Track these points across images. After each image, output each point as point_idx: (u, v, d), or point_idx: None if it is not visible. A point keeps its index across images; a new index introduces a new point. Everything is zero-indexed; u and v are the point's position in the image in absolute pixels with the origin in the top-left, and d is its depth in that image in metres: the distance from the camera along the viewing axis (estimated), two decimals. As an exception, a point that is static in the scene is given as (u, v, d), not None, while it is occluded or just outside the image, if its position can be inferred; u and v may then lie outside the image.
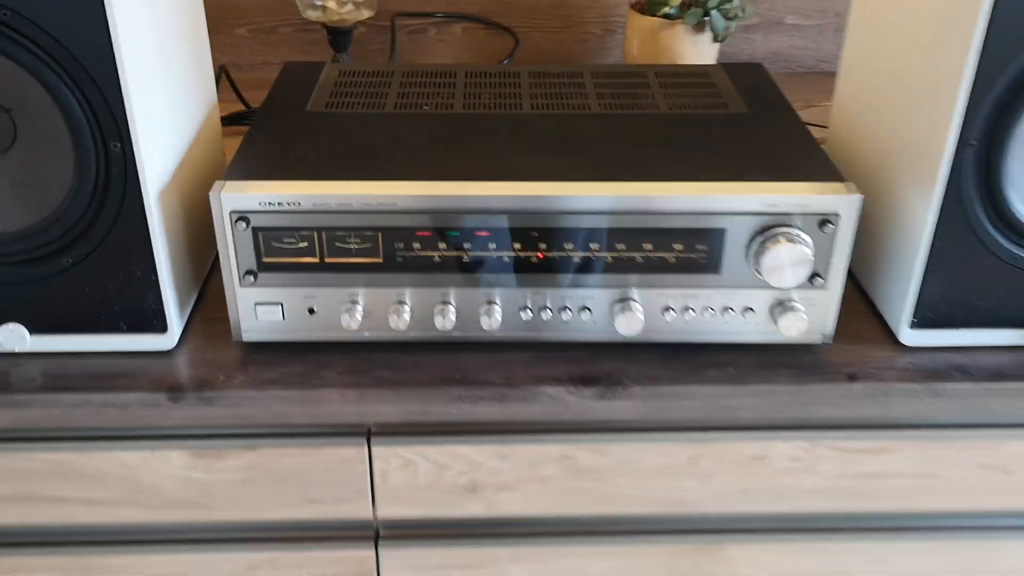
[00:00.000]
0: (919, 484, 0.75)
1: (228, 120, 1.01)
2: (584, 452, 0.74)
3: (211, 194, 0.65)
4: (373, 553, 0.78)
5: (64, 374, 0.69)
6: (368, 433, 0.73)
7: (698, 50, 1.10)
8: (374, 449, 0.73)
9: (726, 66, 0.91)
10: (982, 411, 0.69)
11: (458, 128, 0.76)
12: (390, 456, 0.73)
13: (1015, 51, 0.60)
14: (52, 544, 0.77)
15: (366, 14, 1.09)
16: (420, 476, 0.74)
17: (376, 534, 0.78)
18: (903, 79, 0.70)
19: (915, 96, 0.67)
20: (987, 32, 0.59)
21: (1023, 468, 0.74)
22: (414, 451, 0.73)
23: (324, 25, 1.08)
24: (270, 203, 0.65)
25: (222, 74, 1.06)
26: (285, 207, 0.65)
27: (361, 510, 0.76)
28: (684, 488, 0.75)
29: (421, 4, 1.22)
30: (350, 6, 1.07)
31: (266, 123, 0.77)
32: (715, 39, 1.10)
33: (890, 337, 0.71)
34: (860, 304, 0.75)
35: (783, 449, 0.73)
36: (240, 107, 1.06)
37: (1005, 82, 0.61)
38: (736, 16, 1.09)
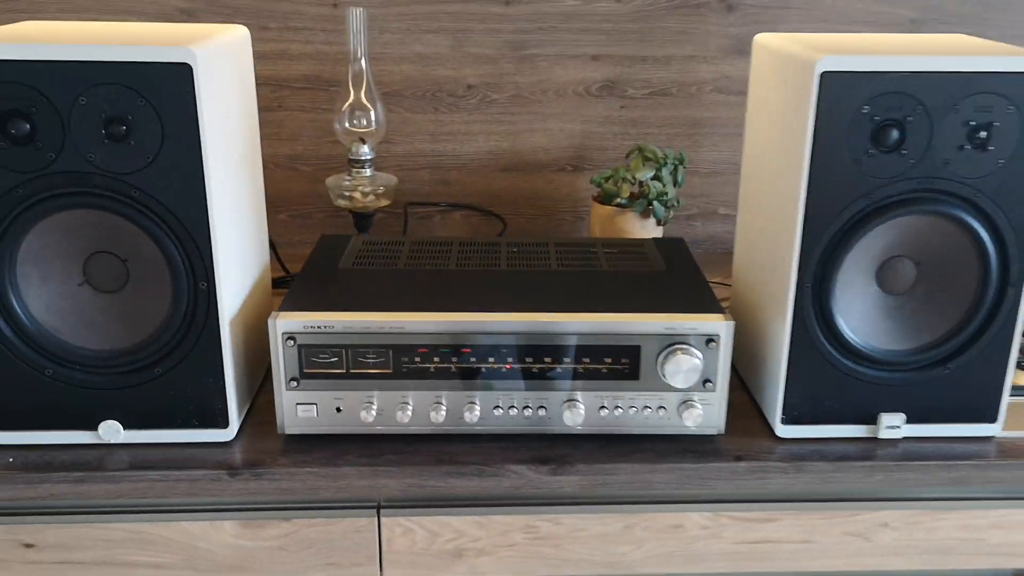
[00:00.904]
0: (800, 548, 0.99)
1: (272, 283, 1.30)
2: (543, 522, 0.98)
3: (269, 320, 0.92)
4: (377, 611, 1.00)
5: (148, 458, 0.93)
6: (378, 507, 0.97)
7: (646, 231, 1.40)
8: (383, 519, 0.97)
9: (656, 240, 1.21)
10: (835, 484, 0.94)
11: (451, 279, 1.04)
12: (394, 525, 0.97)
13: (826, 224, 0.89)
14: (121, 604, 1.00)
15: (384, 203, 1.38)
16: (417, 542, 0.98)
17: (380, 595, 1.01)
18: (766, 244, 0.99)
19: (772, 255, 0.96)
20: (805, 214, 0.89)
21: (877, 535, 0.99)
22: (413, 521, 0.97)
23: (350, 211, 1.37)
24: (312, 327, 0.92)
25: (270, 247, 1.35)
26: (322, 329, 0.92)
27: (371, 572, 0.99)
28: (622, 552, 0.99)
29: (428, 195, 1.53)
30: (371, 196, 1.37)
31: (308, 274, 1.05)
32: (658, 223, 1.40)
33: (769, 430, 0.98)
34: (750, 405, 1.02)
35: (695, 519, 0.98)
36: (282, 273, 1.35)
37: (825, 242, 0.90)
38: (673, 206, 1.40)
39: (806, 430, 0.96)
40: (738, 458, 0.94)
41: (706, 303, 0.97)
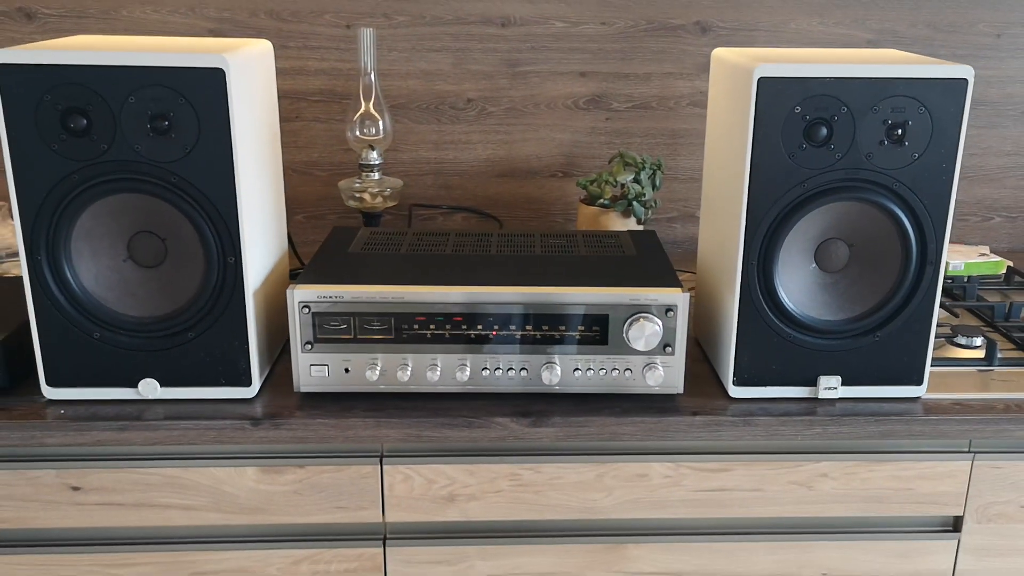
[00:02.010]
0: (752, 496, 1.15)
1: (290, 275, 1.47)
2: (525, 471, 1.13)
3: (288, 290, 1.09)
4: (382, 551, 1.16)
5: (181, 411, 1.10)
6: (381, 455, 1.13)
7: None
8: (385, 467, 1.13)
9: (631, 232, 1.37)
10: (779, 438, 1.09)
11: (447, 261, 1.21)
12: (395, 472, 1.13)
13: (766, 210, 1.05)
14: (154, 543, 1.15)
15: (391, 204, 1.52)
16: (415, 488, 1.13)
17: (384, 537, 1.16)
18: (721, 232, 1.15)
19: (725, 240, 1.13)
20: (748, 201, 1.05)
21: (818, 484, 1.14)
22: (412, 469, 1.13)
23: (360, 211, 1.54)
24: (324, 296, 1.09)
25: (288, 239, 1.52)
26: (333, 299, 1.09)
27: (374, 515, 1.14)
28: (594, 499, 1.15)
29: (432, 199, 1.69)
30: (379, 198, 1.53)
31: (322, 256, 1.22)
32: (638, 222, 1.57)
33: (722, 390, 1.13)
34: (706, 368, 1.18)
35: (658, 469, 1.14)
36: (298, 265, 1.52)
37: (767, 226, 1.06)
38: (651, 206, 1.57)
39: (755, 391, 1.12)
40: (695, 413, 1.09)
41: (667, 279, 1.13)
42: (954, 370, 1.19)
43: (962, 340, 1.25)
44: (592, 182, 1.57)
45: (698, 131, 1.66)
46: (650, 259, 1.22)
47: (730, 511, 1.15)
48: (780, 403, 1.11)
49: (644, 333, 1.07)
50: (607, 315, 1.09)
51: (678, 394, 1.12)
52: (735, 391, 1.12)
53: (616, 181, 1.55)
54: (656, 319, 1.08)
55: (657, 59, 1.63)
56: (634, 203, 1.54)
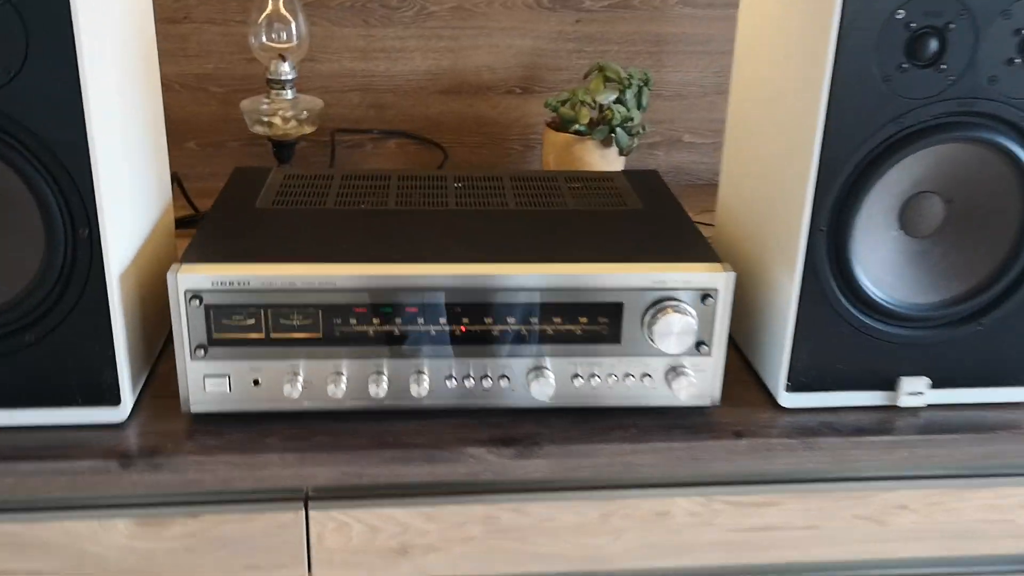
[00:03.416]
0: (805, 535, 0.90)
1: (178, 223, 1.16)
2: (505, 512, 0.86)
3: (168, 274, 0.79)
4: (307, 619, 0.88)
5: (20, 445, 0.80)
6: (306, 498, 0.85)
7: (606, 162, 1.29)
8: (311, 513, 0.85)
9: (626, 172, 1.09)
10: (850, 462, 0.84)
11: (391, 221, 0.91)
12: (326, 520, 0.85)
13: (847, 157, 0.78)
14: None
15: (308, 129, 1.26)
16: (354, 538, 0.86)
17: (310, 600, 0.89)
18: (768, 179, 0.88)
19: (778, 193, 0.85)
20: (823, 143, 0.77)
21: (892, 519, 0.90)
22: (348, 514, 0.85)
23: (269, 139, 1.24)
24: (222, 283, 0.79)
25: (173, 181, 1.21)
26: (235, 286, 0.79)
27: (298, 574, 0.87)
28: (597, 545, 0.88)
29: (359, 121, 1.40)
30: (294, 122, 1.23)
31: (218, 217, 0.91)
32: (620, 152, 1.29)
33: (770, 400, 0.87)
34: (745, 372, 0.91)
35: (683, 504, 0.88)
36: (190, 212, 1.20)
37: (843, 179, 0.79)
38: (638, 132, 1.29)
39: (814, 398, 0.86)
40: (738, 435, 0.83)
41: (699, 250, 0.86)
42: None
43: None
44: (564, 103, 1.28)
45: (689, 36, 1.39)
46: (664, 216, 0.95)
47: (776, 555, 0.91)
48: (847, 414, 0.86)
49: (673, 329, 0.80)
50: (620, 303, 0.81)
51: (713, 407, 0.85)
52: (788, 399, 0.86)
53: (595, 102, 1.26)
54: (690, 309, 0.80)
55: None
56: (618, 130, 1.27)
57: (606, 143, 1.27)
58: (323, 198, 0.97)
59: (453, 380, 0.83)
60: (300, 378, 0.82)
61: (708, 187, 1.43)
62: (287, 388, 0.81)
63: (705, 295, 0.81)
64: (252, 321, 0.80)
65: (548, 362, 0.83)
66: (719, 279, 0.81)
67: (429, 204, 0.96)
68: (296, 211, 0.93)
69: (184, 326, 0.80)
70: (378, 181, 1.02)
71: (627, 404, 0.85)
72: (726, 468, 0.84)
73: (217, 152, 1.39)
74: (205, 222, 0.90)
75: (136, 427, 0.82)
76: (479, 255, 0.83)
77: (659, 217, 0.94)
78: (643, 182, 1.05)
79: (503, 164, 1.44)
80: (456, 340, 0.82)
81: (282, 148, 1.27)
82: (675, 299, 0.81)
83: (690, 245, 0.87)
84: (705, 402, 0.85)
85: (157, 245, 0.92)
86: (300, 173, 1.05)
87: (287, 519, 0.85)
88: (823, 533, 0.90)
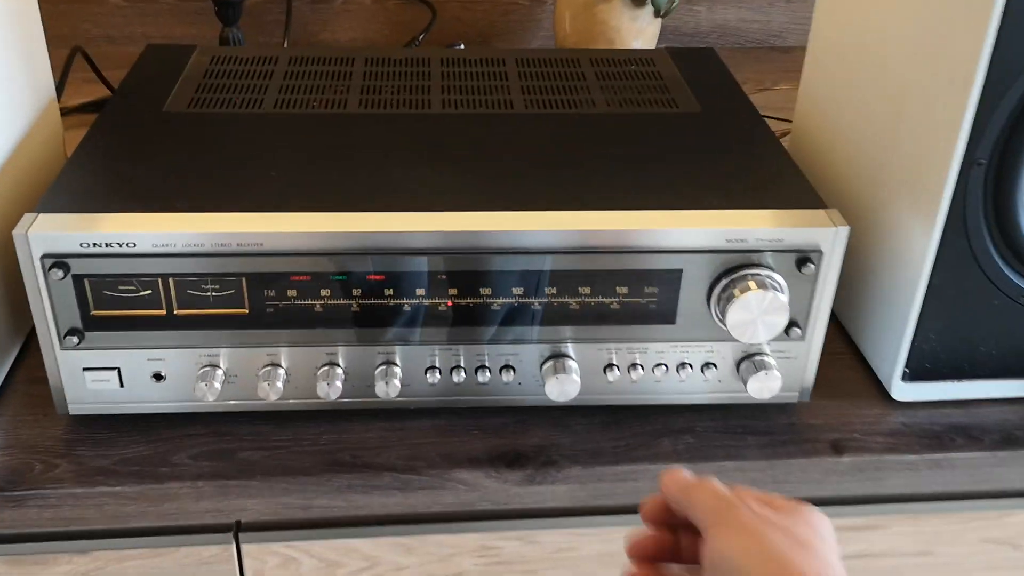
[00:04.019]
0: (914, 564, 0.68)
1: (91, 107, 0.94)
2: (509, 541, 0.64)
3: (15, 232, 0.54)
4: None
5: None
6: (236, 528, 0.63)
7: (638, 26, 1.03)
8: (244, 547, 0.63)
9: (673, 52, 0.82)
10: (990, 482, 0.61)
11: (350, 134, 0.66)
12: (264, 554, 0.63)
13: (1019, 71, 0.52)
14: None
15: None
16: (305, 575, 0.64)
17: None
18: (893, 78, 0.61)
19: (909, 101, 0.59)
20: (992, 56, 0.51)
21: (1032, 542, 0.68)
22: (295, 547, 0.63)
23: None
24: (95, 244, 0.54)
25: (76, 56, 0.94)
26: (115, 249, 0.54)
27: (230, 620, 0.65)
28: (632, 579, 0.67)
29: (328, -29, 1.12)
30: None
31: (107, 131, 0.66)
32: (657, 14, 1.02)
33: (879, 391, 0.64)
34: (841, 349, 0.67)
35: (751, 529, 0.65)
36: (106, 92, 0.96)
37: (1012, 103, 0.53)
38: (678, -8, 1.02)
39: (937, 389, 0.63)
40: (836, 448, 0.60)
41: (791, 187, 0.61)
42: None
43: None
44: (585, -50, 1.00)
45: None
46: (733, 124, 0.69)
47: (873, 587, 0.69)
48: (982, 410, 0.63)
49: (755, 310, 0.55)
50: (678, 271, 0.56)
51: (799, 404, 0.62)
52: (903, 390, 0.63)
53: (624, -53, 0.99)
54: (779, 281, 0.56)
55: None
56: (657, -12, 1.00)
57: (637, 2, 1.00)
58: (260, 94, 0.71)
59: (436, 372, 0.59)
60: (219, 372, 0.58)
61: (763, 53, 1.16)
62: (201, 387, 0.58)
63: (803, 259, 0.56)
64: (148, 292, 0.56)
65: (571, 348, 0.59)
66: (825, 236, 0.56)
67: (405, 104, 0.70)
68: (219, 118, 0.68)
69: (46, 305, 0.56)
70: (338, 67, 0.76)
71: (680, 401, 0.61)
72: (819, 491, 0.61)
73: (148, 8, 1.11)
74: (85, 143, 0.64)
75: (-6, 437, 0.59)
76: (472, 193, 0.58)
77: (726, 128, 0.69)
78: (697, 66, 0.79)
79: (505, 27, 1.16)
80: (441, 318, 0.58)
81: (227, 7, 1.01)
82: (759, 264, 0.56)
83: (776, 178, 0.62)
84: (791, 397, 0.61)
85: (27, 168, 0.67)
86: (231, 55, 0.79)
87: (211, 554, 0.63)
88: (939, 561, 0.68)
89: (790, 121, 0.80)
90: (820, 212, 0.57)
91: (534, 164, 0.63)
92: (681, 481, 0.46)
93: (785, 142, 0.72)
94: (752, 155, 0.65)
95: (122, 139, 0.65)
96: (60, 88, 0.91)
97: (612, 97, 0.73)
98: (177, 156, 0.63)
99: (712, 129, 0.68)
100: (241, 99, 0.71)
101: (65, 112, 0.92)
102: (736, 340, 0.57)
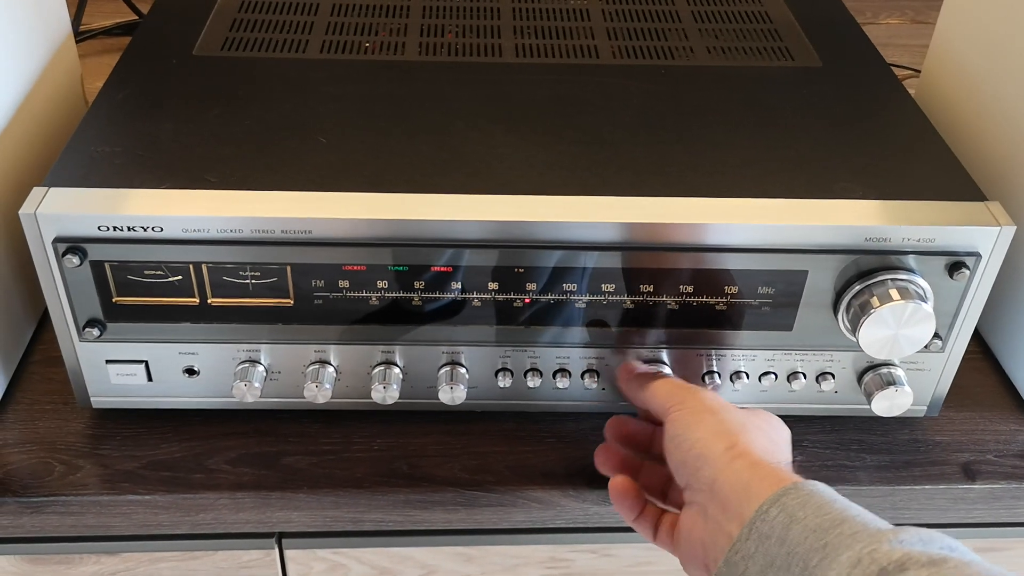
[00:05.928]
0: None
1: (116, 30, 0.85)
2: (581, 553, 0.56)
3: (22, 212, 0.45)
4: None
5: None
6: (278, 537, 0.55)
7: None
8: (287, 552, 0.55)
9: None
10: None
11: (409, 86, 0.56)
12: (310, 560, 0.56)
13: None
14: None
15: None
16: (352, 584, 0.57)
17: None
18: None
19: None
20: None
21: None
22: (343, 553, 0.56)
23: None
24: (116, 227, 0.45)
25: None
26: (139, 234, 0.45)
27: (273, 624, 0.58)
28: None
29: None
30: None
31: (128, 82, 0.56)
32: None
33: (1015, 400, 0.55)
34: (972, 348, 0.57)
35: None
36: (129, 13, 0.86)
37: None
38: None
39: (1088, 403, 0.53)
40: (968, 472, 0.51)
41: (937, 167, 0.50)
42: None
43: None
44: None
45: None
46: (863, 85, 0.58)
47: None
48: None
49: (901, 318, 0.45)
50: (803, 272, 0.46)
51: (925, 418, 0.52)
52: (1047, 404, 0.53)
53: None
54: (923, 287, 0.46)
55: None
56: None
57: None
58: (303, 34, 0.61)
59: (507, 374, 0.50)
60: (260, 368, 0.50)
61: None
62: (240, 385, 0.49)
63: (958, 263, 0.46)
64: (179, 279, 0.47)
65: (664, 355, 0.50)
66: (986, 236, 0.46)
67: (472, 50, 0.60)
68: (256, 63, 0.58)
69: (61, 294, 0.47)
70: (393, 1, 0.66)
71: (786, 412, 0.52)
72: (940, 518, 0.52)
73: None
74: (100, 99, 0.55)
75: (8, 428, 0.52)
76: (552, 172, 0.48)
77: (855, 90, 0.58)
78: (815, 9, 0.67)
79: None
80: (515, 316, 0.48)
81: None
82: (901, 267, 0.46)
83: (919, 153, 0.51)
84: (917, 412, 0.52)
85: (39, 117, 0.58)
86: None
87: (252, 558, 0.55)
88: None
89: (909, 68, 0.68)
90: (979, 205, 0.47)
91: (623, 131, 0.52)
92: (636, 371, 0.48)
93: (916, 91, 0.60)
94: (889, 127, 0.54)
95: (145, 92, 0.55)
96: (81, 8, 0.81)
97: (713, 43, 0.62)
98: (208, 114, 0.53)
99: (838, 91, 0.57)
100: (281, 40, 0.60)
101: (85, 36, 0.82)
102: (858, 349, 0.48)
